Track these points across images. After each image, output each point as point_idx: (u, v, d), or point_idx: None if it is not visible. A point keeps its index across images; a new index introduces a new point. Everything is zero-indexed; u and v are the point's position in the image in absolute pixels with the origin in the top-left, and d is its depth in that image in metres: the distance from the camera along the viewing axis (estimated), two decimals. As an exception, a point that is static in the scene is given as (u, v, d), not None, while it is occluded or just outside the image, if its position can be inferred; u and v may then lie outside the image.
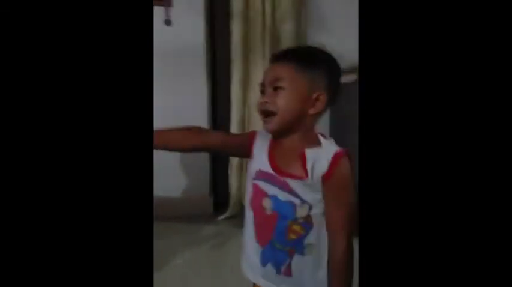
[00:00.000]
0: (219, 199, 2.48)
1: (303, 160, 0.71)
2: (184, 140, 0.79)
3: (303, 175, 0.70)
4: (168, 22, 2.20)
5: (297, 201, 0.70)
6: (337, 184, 0.68)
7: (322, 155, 0.70)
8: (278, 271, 0.73)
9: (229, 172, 2.35)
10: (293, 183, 0.71)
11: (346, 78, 2.14)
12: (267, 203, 0.73)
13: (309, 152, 0.71)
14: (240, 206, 2.33)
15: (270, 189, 0.72)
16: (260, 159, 0.76)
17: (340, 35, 2.42)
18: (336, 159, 0.69)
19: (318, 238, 0.71)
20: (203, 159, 2.40)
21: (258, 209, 0.75)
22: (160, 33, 2.24)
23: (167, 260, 1.72)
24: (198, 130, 0.82)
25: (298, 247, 0.71)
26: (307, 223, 0.70)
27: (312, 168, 0.70)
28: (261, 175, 0.75)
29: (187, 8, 2.23)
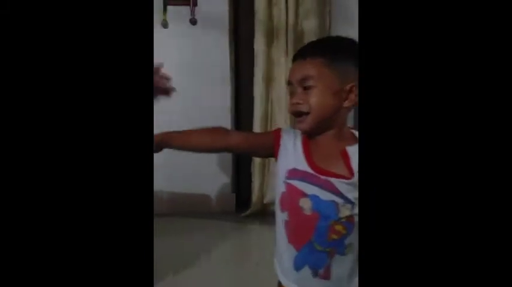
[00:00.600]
0: (242, 197, 2.49)
1: (346, 158, 0.69)
2: (206, 141, 0.77)
3: (348, 174, 0.68)
4: (193, 21, 2.22)
5: (340, 201, 0.67)
6: None
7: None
8: (315, 274, 0.70)
9: (252, 169, 2.35)
10: (337, 183, 0.67)
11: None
12: (305, 204, 0.69)
13: (351, 150, 0.69)
14: (262, 203, 2.32)
15: (309, 189, 0.69)
16: (294, 158, 0.72)
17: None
18: None
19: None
20: (226, 156, 2.41)
21: (294, 210, 0.70)
22: (186, 32, 2.29)
23: (190, 256, 1.74)
24: (220, 131, 0.79)
25: (340, 247, 0.68)
26: (349, 223, 0.67)
27: (355, 168, 0.67)
28: (297, 175, 0.70)
29: (212, 8, 2.25)
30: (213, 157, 2.37)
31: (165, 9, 2.21)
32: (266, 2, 2.17)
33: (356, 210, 0.67)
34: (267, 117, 2.24)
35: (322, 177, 0.68)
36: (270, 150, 0.77)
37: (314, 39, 2.23)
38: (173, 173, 2.23)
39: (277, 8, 2.19)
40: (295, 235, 0.71)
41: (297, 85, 0.71)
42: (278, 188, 0.74)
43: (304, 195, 0.69)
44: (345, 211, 0.67)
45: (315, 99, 0.69)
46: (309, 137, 0.74)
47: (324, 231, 0.68)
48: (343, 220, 0.67)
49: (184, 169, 2.29)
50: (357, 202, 0.66)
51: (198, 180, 2.37)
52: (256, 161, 2.31)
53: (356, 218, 0.67)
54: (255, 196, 2.32)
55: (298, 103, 0.70)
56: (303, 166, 0.71)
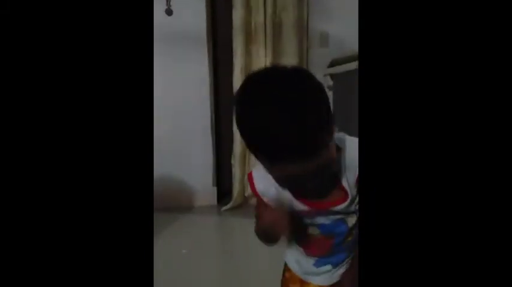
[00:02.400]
0: (223, 190, 2.49)
1: (337, 180, 0.63)
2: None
3: (344, 197, 0.63)
4: (169, 12, 2.17)
5: (345, 216, 0.66)
6: None
7: (348, 159, 0.62)
8: (335, 266, 0.72)
9: (232, 162, 2.35)
10: (337, 207, 0.64)
11: (348, 66, 2.13)
12: (314, 231, 0.68)
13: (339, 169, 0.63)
14: (243, 196, 2.33)
15: (313, 220, 0.67)
16: (283, 199, 0.65)
17: (342, 23, 2.40)
18: None
19: None
20: (207, 150, 2.40)
21: (307, 238, 0.69)
22: (162, 24, 2.24)
23: (172, 250, 1.74)
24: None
25: (354, 243, 0.70)
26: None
27: (347, 183, 0.63)
28: (296, 214, 0.66)
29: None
30: (194, 151, 2.36)
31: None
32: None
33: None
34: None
35: (321, 210, 0.65)
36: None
37: (292, 32, 2.25)
38: (155, 168, 2.21)
39: (254, 2, 2.18)
40: (310, 251, 0.71)
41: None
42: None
43: (311, 224, 0.67)
44: (352, 220, 0.67)
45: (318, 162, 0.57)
46: None
47: (340, 242, 0.68)
48: (354, 227, 0.68)
49: (166, 163, 2.27)
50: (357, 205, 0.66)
51: (180, 174, 2.35)
52: (237, 153, 2.31)
53: None
54: (236, 189, 2.33)
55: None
56: (297, 205, 0.65)
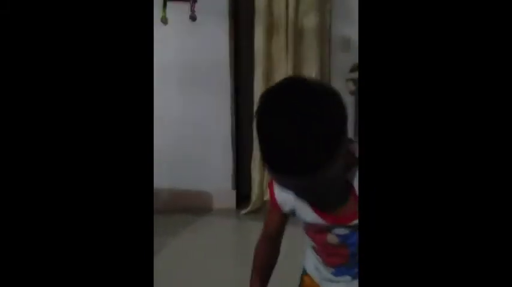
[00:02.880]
0: (242, 193, 2.50)
1: (353, 194, 0.62)
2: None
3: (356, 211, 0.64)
4: (193, 18, 2.21)
5: None
6: None
7: None
8: (354, 277, 0.71)
9: (252, 166, 2.35)
10: (353, 223, 0.64)
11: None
12: (332, 239, 0.68)
13: (356, 181, 0.62)
14: (262, 200, 2.33)
15: (331, 230, 0.67)
16: (302, 211, 0.66)
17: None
18: None
19: None
20: (227, 153, 2.42)
21: (322, 244, 0.70)
22: (186, 29, 2.29)
23: (190, 253, 1.75)
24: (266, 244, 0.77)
25: None
26: None
27: None
28: (314, 227, 0.68)
29: (212, 4, 2.25)
30: (213, 154, 2.38)
31: (164, 6, 2.20)
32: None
33: None
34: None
35: (340, 224, 0.66)
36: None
37: (314, 36, 2.23)
38: (173, 169, 2.24)
39: (277, 5, 2.19)
40: (329, 260, 0.72)
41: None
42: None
43: (329, 232, 0.68)
44: None
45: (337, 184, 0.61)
46: None
47: (355, 251, 0.67)
48: None
49: (185, 165, 2.30)
50: None
51: (199, 177, 2.37)
52: (257, 157, 2.31)
53: None
54: (254, 193, 2.33)
55: None
56: (315, 219, 0.66)
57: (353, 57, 2.34)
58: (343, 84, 2.31)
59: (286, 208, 0.69)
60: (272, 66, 2.25)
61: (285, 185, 0.59)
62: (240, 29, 2.38)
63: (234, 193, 2.46)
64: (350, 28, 2.37)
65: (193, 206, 2.33)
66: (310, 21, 2.21)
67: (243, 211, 2.30)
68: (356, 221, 0.63)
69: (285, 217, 0.72)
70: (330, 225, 0.66)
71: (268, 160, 0.55)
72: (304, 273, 0.80)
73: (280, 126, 0.52)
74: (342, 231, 0.67)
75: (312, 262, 0.77)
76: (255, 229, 0.75)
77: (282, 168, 0.54)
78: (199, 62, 2.26)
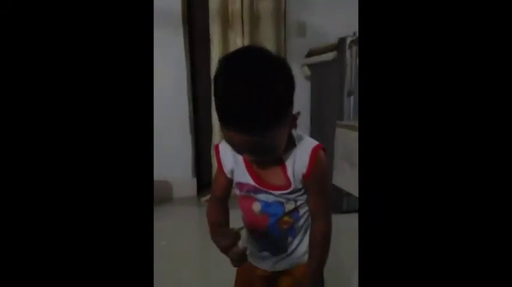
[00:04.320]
0: (203, 181, 2.49)
1: (283, 168, 0.71)
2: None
3: (286, 185, 0.72)
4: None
5: (284, 200, 0.74)
6: (317, 177, 0.71)
7: (298, 155, 0.70)
8: (273, 254, 0.80)
9: (212, 153, 2.34)
10: (278, 192, 0.73)
11: (326, 56, 2.14)
12: (256, 207, 0.76)
13: (288, 159, 0.71)
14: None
15: (257, 196, 0.75)
16: (238, 172, 0.75)
17: (320, 13, 2.41)
18: (313, 157, 0.70)
19: (303, 219, 0.78)
20: (185, 141, 2.38)
21: (248, 212, 0.77)
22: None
23: (154, 242, 1.73)
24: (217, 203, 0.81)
25: (291, 232, 0.78)
26: (295, 212, 0.76)
27: (293, 175, 0.71)
28: (244, 187, 0.76)
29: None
30: (172, 142, 2.33)
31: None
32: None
33: (299, 202, 0.75)
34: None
35: (265, 189, 0.73)
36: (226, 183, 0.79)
37: (270, 21, 2.24)
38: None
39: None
40: (252, 230, 0.80)
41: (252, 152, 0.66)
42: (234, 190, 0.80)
43: (255, 200, 0.75)
44: (289, 207, 0.74)
45: (277, 154, 0.68)
46: None
47: (275, 225, 0.76)
48: (289, 213, 0.75)
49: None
50: (299, 196, 0.74)
51: (157, 165, 2.32)
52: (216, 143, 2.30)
53: (300, 207, 0.75)
54: (215, 180, 2.32)
55: (256, 160, 0.70)
56: (247, 179, 0.74)
57: (308, 42, 2.38)
58: (299, 69, 2.34)
59: (227, 169, 0.77)
60: (228, 51, 2.22)
61: (234, 142, 0.64)
62: (195, 13, 2.32)
63: (194, 181, 2.44)
64: (305, 13, 2.39)
65: (154, 195, 2.29)
66: (265, 6, 2.20)
67: (204, 198, 2.30)
68: (279, 192, 0.73)
69: (228, 179, 0.79)
70: (257, 189, 0.73)
71: (222, 117, 0.61)
72: None
73: (235, 87, 0.58)
74: (265, 198, 0.74)
75: (245, 238, 0.82)
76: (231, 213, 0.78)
77: (234, 125, 0.60)
78: (154, 47, 2.19)
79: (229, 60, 0.62)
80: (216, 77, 0.61)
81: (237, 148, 0.66)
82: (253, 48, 0.65)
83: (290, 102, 0.63)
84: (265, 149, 0.64)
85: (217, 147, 0.80)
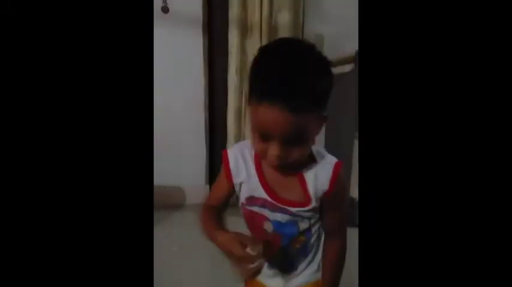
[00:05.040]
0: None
1: (303, 183, 0.66)
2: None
3: (305, 202, 0.67)
4: (165, 9, 2.17)
5: (299, 219, 0.69)
6: (337, 195, 0.67)
7: (320, 172, 0.66)
8: (284, 273, 0.76)
9: (225, 161, 2.34)
10: (295, 210, 0.67)
11: (342, 68, 2.15)
12: (268, 227, 0.70)
13: (309, 175, 0.66)
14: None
15: (270, 215, 0.69)
16: (250, 185, 0.68)
17: (337, 25, 2.42)
18: (335, 174, 0.66)
19: (315, 236, 0.74)
20: (200, 147, 2.40)
21: (258, 232, 0.72)
22: (158, 21, 2.24)
23: (164, 248, 1.74)
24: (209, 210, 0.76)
25: (304, 251, 0.74)
26: (308, 231, 0.72)
27: (315, 192, 0.66)
28: (257, 202, 0.69)
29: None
30: (186, 149, 2.36)
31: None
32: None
33: (313, 220, 0.70)
34: (240, 110, 2.25)
35: (281, 205, 0.68)
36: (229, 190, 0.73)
37: (288, 33, 2.26)
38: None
39: (251, 3, 2.19)
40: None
41: (280, 137, 0.58)
42: (241, 209, 0.73)
43: (266, 219, 0.70)
44: (303, 225, 0.70)
45: (301, 152, 0.61)
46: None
47: (287, 245, 0.72)
48: (303, 231, 0.71)
49: (158, 161, 2.26)
50: (314, 215, 0.70)
51: (172, 172, 2.35)
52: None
53: (313, 226, 0.71)
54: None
55: (281, 156, 0.60)
56: (261, 193, 0.68)
57: (326, 54, 2.38)
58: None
59: (237, 178, 0.70)
60: (246, 60, 2.25)
61: (267, 123, 0.58)
62: (214, 24, 2.36)
63: (207, 188, 2.45)
64: (323, 26, 2.41)
65: (166, 201, 2.31)
66: (283, 18, 2.23)
67: (217, 206, 2.29)
68: (296, 209, 0.67)
69: (232, 190, 0.73)
70: (271, 205, 0.67)
71: (261, 89, 0.57)
72: None
73: (277, 64, 0.56)
74: (280, 217, 0.68)
75: None
76: (229, 223, 0.75)
77: (273, 95, 0.55)
78: (173, 56, 2.23)
79: (271, 46, 0.61)
80: (256, 60, 0.60)
81: (267, 131, 0.58)
82: (293, 39, 0.65)
83: (327, 97, 0.60)
84: (297, 135, 0.57)
85: (225, 153, 0.73)
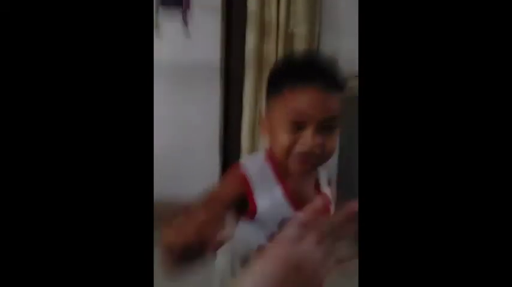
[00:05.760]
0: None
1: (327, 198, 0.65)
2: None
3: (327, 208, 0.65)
4: (186, 33, 2.19)
5: None
6: None
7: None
8: None
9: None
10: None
11: (356, 82, 2.12)
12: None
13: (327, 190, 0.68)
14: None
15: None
16: (276, 206, 0.61)
17: (353, 39, 2.40)
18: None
19: None
20: (214, 155, 2.40)
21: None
22: (178, 34, 2.27)
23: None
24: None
25: None
26: None
27: (332, 197, 0.69)
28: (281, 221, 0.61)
29: (204, 11, 2.25)
30: (200, 157, 2.36)
31: (157, 11, 2.20)
32: (258, 5, 2.17)
33: None
34: (255, 125, 2.25)
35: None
36: (240, 196, 0.63)
37: (303, 43, 2.26)
38: (159, 174, 2.21)
39: (268, 12, 2.20)
40: None
41: (312, 122, 0.57)
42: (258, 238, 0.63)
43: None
44: None
45: (333, 144, 0.58)
46: (282, 170, 0.61)
47: None
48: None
49: (171, 170, 2.27)
50: None
51: (186, 184, 2.36)
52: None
53: None
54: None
55: (318, 145, 0.57)
56: (284, 207, 0.62)
57: (340, 65, 2.36)
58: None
59: (262, 205, 0.61)
60: (262, 76, 2.25)
61: (298, 108, 0.57)
62: (232, 32, 2.39)
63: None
64: (338, 38, 2.40)
65: (179, 211, 2.30)
66: (300, 29, 2.23)
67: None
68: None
69: (240, 194, 0.63)
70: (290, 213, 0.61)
71: (292, 73, 0.61)
72: None
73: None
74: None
75: None
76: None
77: (303, 74, 0.58)
78: (189, 70, 2.26)
79: (288, 59, 0.70)
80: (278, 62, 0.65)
81: (302, 117, 0.56)
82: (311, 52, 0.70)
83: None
84: (331, 119, 0.56)
85: (239, 164, 0.65)
